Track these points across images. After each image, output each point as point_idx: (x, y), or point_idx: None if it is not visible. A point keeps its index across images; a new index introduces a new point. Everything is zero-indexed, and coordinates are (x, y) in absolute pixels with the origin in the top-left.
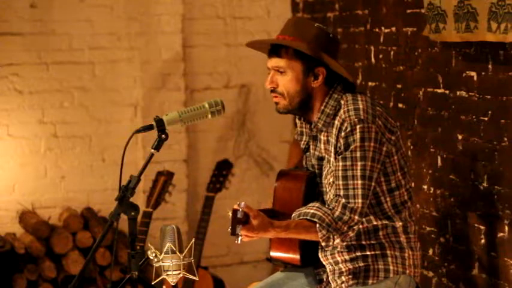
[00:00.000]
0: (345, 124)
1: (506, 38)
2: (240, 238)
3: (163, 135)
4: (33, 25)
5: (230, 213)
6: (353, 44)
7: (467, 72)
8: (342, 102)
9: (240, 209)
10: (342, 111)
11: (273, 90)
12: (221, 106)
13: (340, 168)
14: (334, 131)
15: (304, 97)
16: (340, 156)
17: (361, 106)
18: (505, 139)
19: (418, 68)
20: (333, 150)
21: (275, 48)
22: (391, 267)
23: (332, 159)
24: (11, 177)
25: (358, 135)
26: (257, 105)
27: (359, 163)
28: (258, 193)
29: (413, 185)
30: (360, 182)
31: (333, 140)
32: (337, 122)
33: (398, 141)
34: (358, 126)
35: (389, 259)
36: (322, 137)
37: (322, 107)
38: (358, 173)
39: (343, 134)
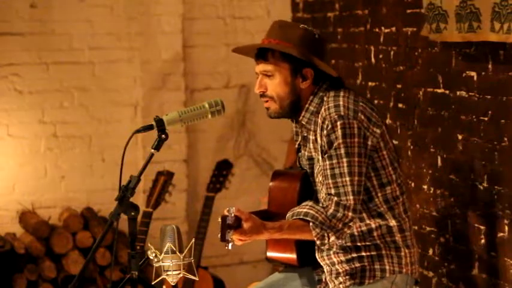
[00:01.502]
0: (326, 122)
1: (509, 38)
2: (230, 244)
3: (163, 135)
4: (33, 25)
5: (220, 220)
6: (353, 44)
7: (467, 72)
8: (325, 99)
9: (230, 215)
10: (323, 109)
11: (262, 95)
12: (221, 106)
13: (327, 167)
14: (318, 129)
15: (294, 98)
16: (326, 155)
17: (341, 102)
18: (505, 139)
19: (418, 68)
20: (319, 149)
21: (262, 52)
22: (387, 267)
23: (320, 157)
24: (11, 177)
25: (339, 132)
26: (257, 105)
27: (344, 160)
28: (258, 193)
29: (413, 185)
30: (348, 178)
31: (318, 139)
32: (319, 121)
33: (385, 136)
34: (338, 123)
35: (385, 259)
36: (311, 137)
37: (307, 105)
38: (345, 169)
39: (325, 132)
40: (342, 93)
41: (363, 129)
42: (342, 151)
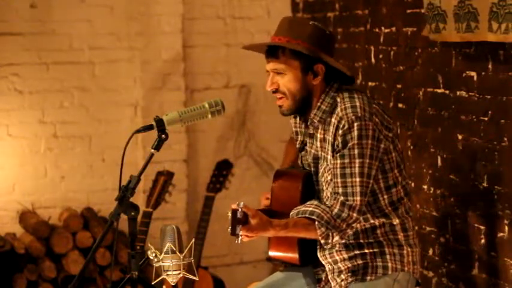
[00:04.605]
0: (343, 122)
1: (507, 38)
2: (240, 238)
3: (163, 135)
4: (33, 25)
5: (230, 214)
6: (353, 44)
7: (467, 72)
8: (338, 99)
9: (240, 209)
10: (339, 108)
11: (275, 92)
12: (221, 106)
13: (338, 166)
14: (332, 128)
15: (305, 95)
16: (338, 154)
17: (358, 103)
18: (505, 139)
19: (418, 68)
20: (330, 148)
21: (272, 50)
22: (389, 265)
23: (329, 156)
24: (11, 177)
25: (355, 133)
26: (257, 105)
27: (357, 160)
28: (258, 193)
29: (413, 185)
30: (358, 179)
31: (330, 138)
32: (334, 120)
33: (395, 138)
34: (355, 124)
35: (388, 257)
36: (318, 135)
37: (319, 104)
38: (356, 170)
39: (340, 131)
40: (356, 95)
41: (377, 132)
42: (356, 152)
